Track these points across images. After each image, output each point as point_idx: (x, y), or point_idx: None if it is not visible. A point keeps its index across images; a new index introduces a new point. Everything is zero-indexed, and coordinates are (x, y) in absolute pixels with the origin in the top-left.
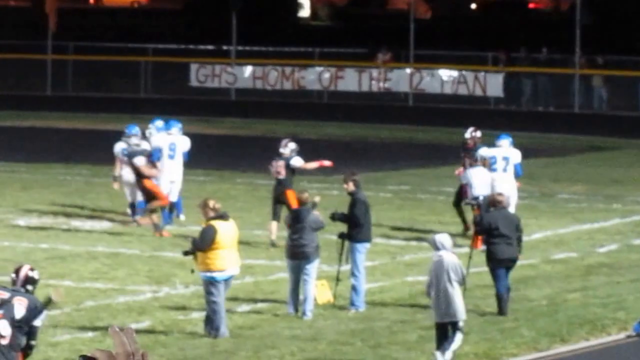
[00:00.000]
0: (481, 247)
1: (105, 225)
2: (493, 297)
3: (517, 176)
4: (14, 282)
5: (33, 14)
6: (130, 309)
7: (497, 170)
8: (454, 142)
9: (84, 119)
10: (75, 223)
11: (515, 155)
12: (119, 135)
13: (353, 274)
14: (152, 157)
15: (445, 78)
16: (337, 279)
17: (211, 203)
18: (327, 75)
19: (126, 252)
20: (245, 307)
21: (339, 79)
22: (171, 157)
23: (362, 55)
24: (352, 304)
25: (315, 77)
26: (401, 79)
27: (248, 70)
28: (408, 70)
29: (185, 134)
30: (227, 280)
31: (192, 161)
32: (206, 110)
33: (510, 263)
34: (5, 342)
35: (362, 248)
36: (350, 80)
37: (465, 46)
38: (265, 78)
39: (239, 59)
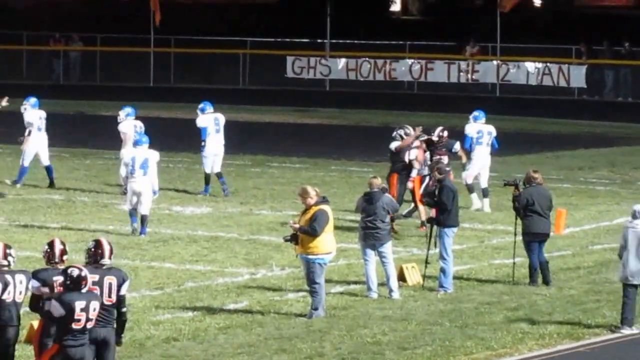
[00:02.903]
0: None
1: (205, 210)
2: (577, 279)
3: (494, 149)
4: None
5: (137, 8)
6: (228, 289)
7: (482, 144)
8: (538, 130)
9: (184, 108)
10: (177, 208)
11: (494, 130)
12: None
13: (442, 257)
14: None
15: (530, 70)
16: (427, 262)
17: (312, 189)
18: (417, 67)
19: (225, 236)
20: (338, 289)
21: (429, 70)
22: (217, 131)
23: (451, 48)
24: (441, 285)
25: (406, 69)
26: (488, 70)
27: (342, 62)
28: (495, 63)
29: (281, 123)
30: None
31: (288, 149)
32: (301, 100)
33: (544, 237)
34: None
35: (450, 232)
36: (440, 71)
37: (550, 40)
38: (358, 70)
39: (333, 51)
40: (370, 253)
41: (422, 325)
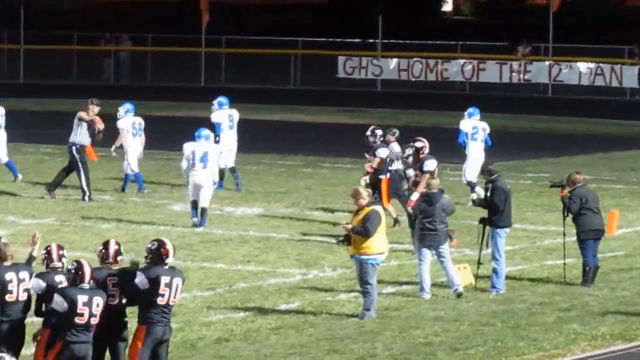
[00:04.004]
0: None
1: (256, 210)
2: (629, 280)
3: (488, 146)
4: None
5: (187, 8)
6: (280, 290)
7: (477, 140)
8: (590, 131)
9: (235, 109)
10: (228, 208)
11: (487, 127)
12: (268, 125)
13: (494, 258)
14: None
15: (582, 70)
16: (479, 263)
17: (365, 190)
18: (469, 67)
19: (276, 236)
20: (390, 289)
21: (481, 71)
22: (231, 127)
23: (503, 49)
24: (493, 286)
25: (458, 69)
26: (540, 71)
27: (393, 62)
28: (547, 63)
29: (332, 123)
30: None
31: (340, 149)
32: (353, 100)
33: (600, 233)
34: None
35: (503, 233)
36: (492, 72)
37: (602, 40)
38: (410, 70)
39: (384, 51)
40: (427, 254)
41: (475, 326)
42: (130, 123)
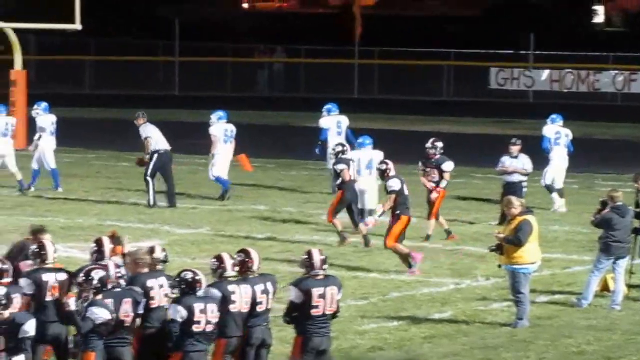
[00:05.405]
0: None
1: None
2: None
3: (570, 152)
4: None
5: (341, 21)
6: (433, 299)
7: (560, 145)
8: None
9: (388, 120)
10: (382, 218)
11: (570, 133)
12: (421, 136)
13: None
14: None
15: None
16: (631, 272)
17: (517, 200)
18: (621, 78)
19: (429, 246)
20: (543, 299)
21: (633, 82)
22: (339, 133)
23: None
24: None
25: (610, 80)
26: None
27: (545, 74)
28: None
29: (484, 134)
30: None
31: (492, 160)
32: (505, 111)
33: None
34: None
35: None
36: None
37: None
38: (562, 81)
39: (536, 63)
40: (606, 266)
41: (627, 335)
42: (222, 130)
